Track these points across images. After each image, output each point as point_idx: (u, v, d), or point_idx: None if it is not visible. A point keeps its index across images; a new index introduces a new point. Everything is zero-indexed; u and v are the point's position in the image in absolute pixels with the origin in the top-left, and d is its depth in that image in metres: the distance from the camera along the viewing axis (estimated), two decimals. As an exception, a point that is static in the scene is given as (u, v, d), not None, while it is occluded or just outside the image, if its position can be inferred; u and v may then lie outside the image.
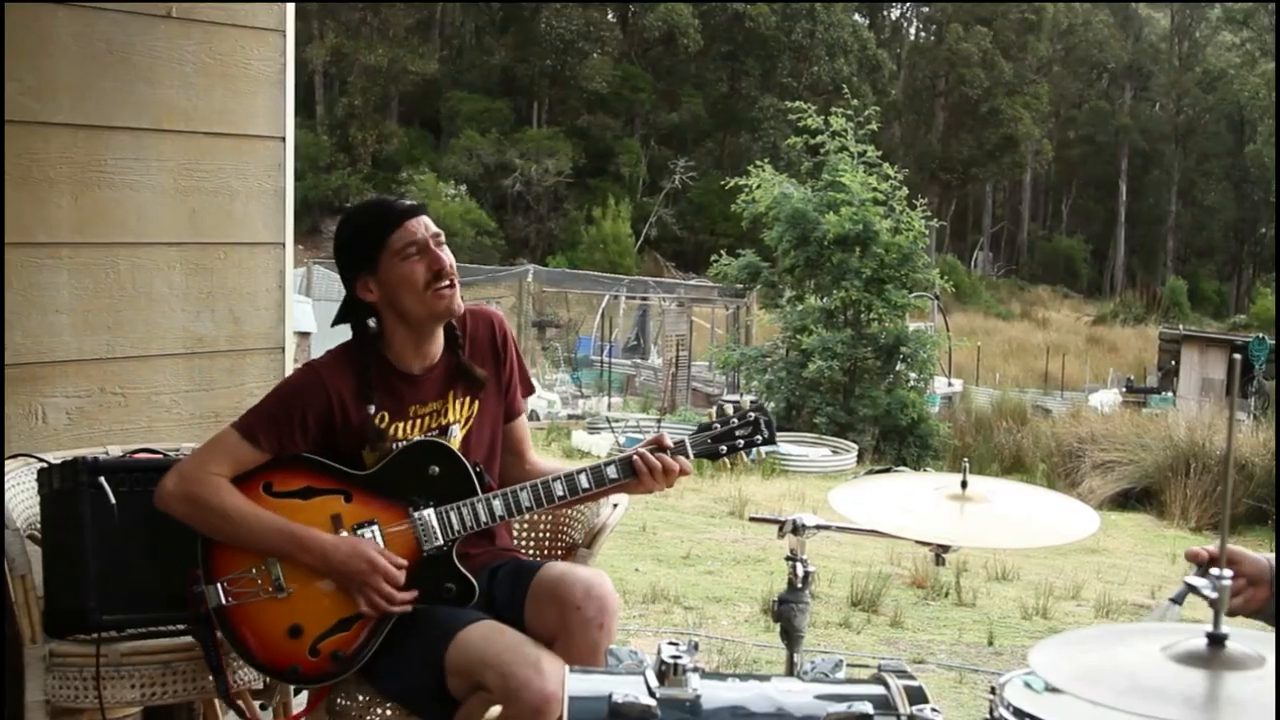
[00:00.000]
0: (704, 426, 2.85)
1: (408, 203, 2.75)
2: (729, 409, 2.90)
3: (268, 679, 2.87)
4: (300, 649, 2.59)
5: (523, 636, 2.52)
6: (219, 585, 2.60)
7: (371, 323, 2.76)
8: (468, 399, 2.81)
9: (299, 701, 2.87)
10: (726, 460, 2.82)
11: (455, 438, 2.78)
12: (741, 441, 2.81)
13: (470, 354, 2.81)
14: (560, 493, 2.69)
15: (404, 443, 2.72)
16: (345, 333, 2.85)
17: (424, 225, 2.69)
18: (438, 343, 2.79)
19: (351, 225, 2.77)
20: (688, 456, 2.76)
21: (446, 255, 2.70)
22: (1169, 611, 2.07)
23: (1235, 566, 2.19)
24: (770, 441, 2.87)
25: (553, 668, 2.42)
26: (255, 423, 2.66)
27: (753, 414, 2.84)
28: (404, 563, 2.60)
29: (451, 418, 2.78)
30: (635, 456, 2.71)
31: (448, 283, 2.68)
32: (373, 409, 2.69)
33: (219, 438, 2.68)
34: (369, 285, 2.69)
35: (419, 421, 2.75)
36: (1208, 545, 2.20)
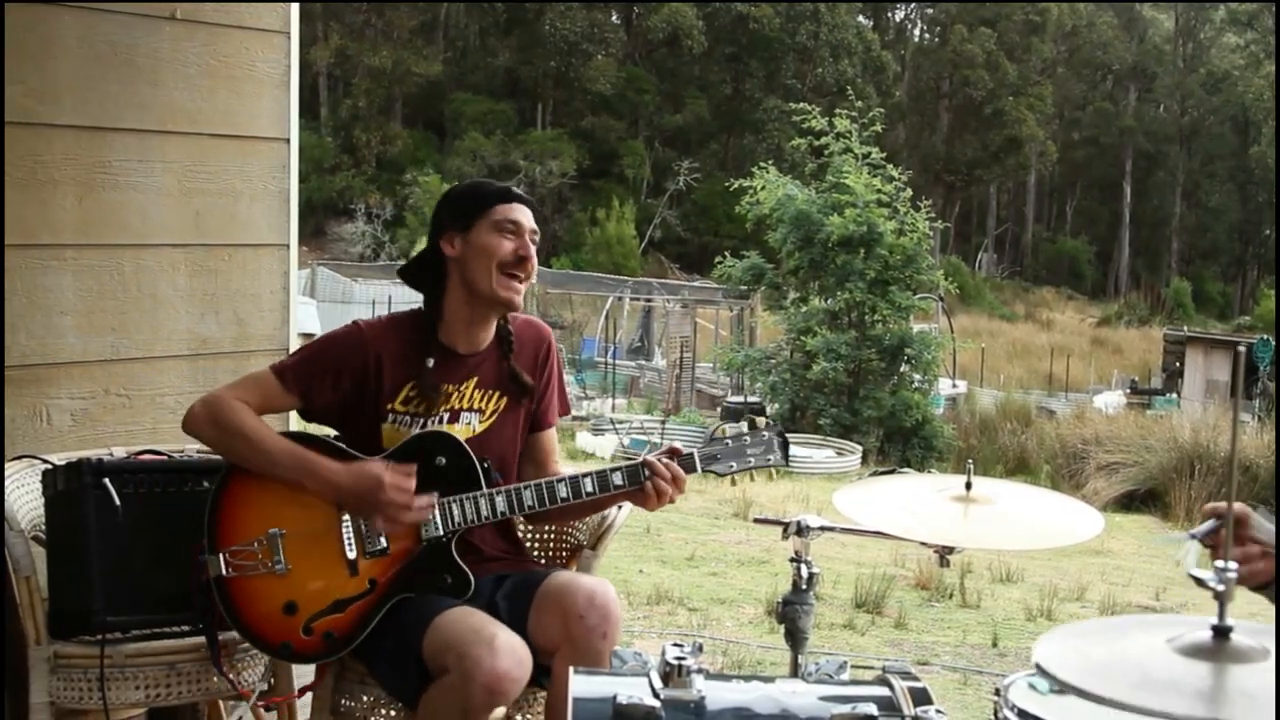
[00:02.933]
0: (714, 438, 2.82)
1: (522, 192, 2.84)
2: (744, 425, 2.83)
3: (268, 676, 2.88)
4: (294, 626, 2.61)
5: (489, 619, 2.52)
6: (221, 555, 2.62)
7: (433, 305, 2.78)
8: (497, 394, 2.82)
9: (303, 703, 2.87)
10: (735, 478, 2.76)
11: (473, 428, 2.78)
12: (753, 460, 2.78)
13: (516, 358, 2.84)
14: (564, 494, 2.69)
15: (431, 418, 2.73)
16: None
17: (530, 217, 2.78)
18: (488, 332, 2.82)
19: (467, 185, 2.89)
20: (696, 470, 2.73)
21: (534, 254, 2.76)
22: (1190, 551, 2.05)
23: (1252, 534, 2.16)
24: (783, 462, 2.83)
25: (508, 645, 2.42)
26: (289, 365, 2.74)
27: (766, 433, 2.80)
28: (413, 468, 2.61)
29: (477, 405, 2.79)
30: (642, 464, 2.70)
31: (523, 275, 2.74)
32: (431, 362, 2.72)
33: (253, 373, 2.78)
34: (454, 241, 2.75)
35: (446, 399, 2.76)
36: (1222, 504, 2.19)
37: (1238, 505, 2.10)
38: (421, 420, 2.74)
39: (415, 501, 2.60)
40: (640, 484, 2.69)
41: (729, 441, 2.79)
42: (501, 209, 2.74)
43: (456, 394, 2.78)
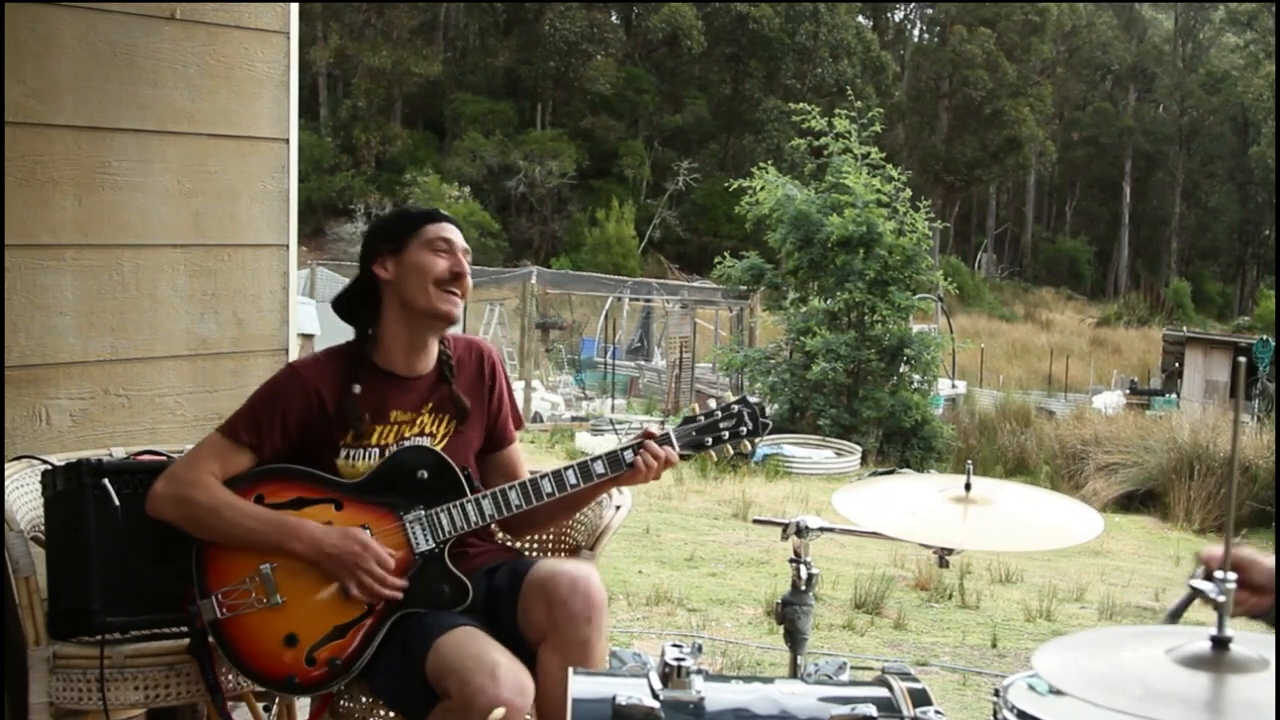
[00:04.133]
0: (689, 419, 2.85)
1: (449, 214, 2.88)
2: (713, 403, 2.86)
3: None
4: (297, 658, 2.60)
5: (490, 643, 2.51)
6: (214, 599, 2.62)
7: (367, 334, 2.80)
8: (447, 418, 2.83)
9: (302, 704, 2.87)
10: (713, 453, 2.78)
11: None
12: (726, 433, 2.81)
13: (457, 380, 2.84)
14: (549, 489, 2.69)
15: (382, 447, 2.74)
16: (347, 333, 2.87)
17: (460, 236, 2.82)
18: (429, 355, 2.82)
19: (393, 212, 2.99)
20: (674, 447, 2.76)
21: (468, 271, 2.79)
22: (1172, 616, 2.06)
23: (1244, 573, 2.16)
24: (755, 434, 2.85)
25: (510, 674, 2.42)
26: (236, 422, 2.72)
27: (735, 406, 2.84)
28: (395, 552, 2.62)
29: (429, 431, 2.80)
30: (621, 451, 2.74)
31: (458, 291, 2.75)
32: (358, 388, 2.72)
33: (204, 441, 2.74)
34: (386, 264, 2.77)
35: (397, 428, 2.77)
36: (1216, 549, 2.18)
37: (1244, 551, 2.10)
38: (376, 449, 2.74)
39: (391, 580, 2.60)
40: (621, 469, 2.72)
41: (702, 418, 2.82)
42: (431, 228, 2.77)
43: (408, 422, 2.78)
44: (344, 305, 2.86)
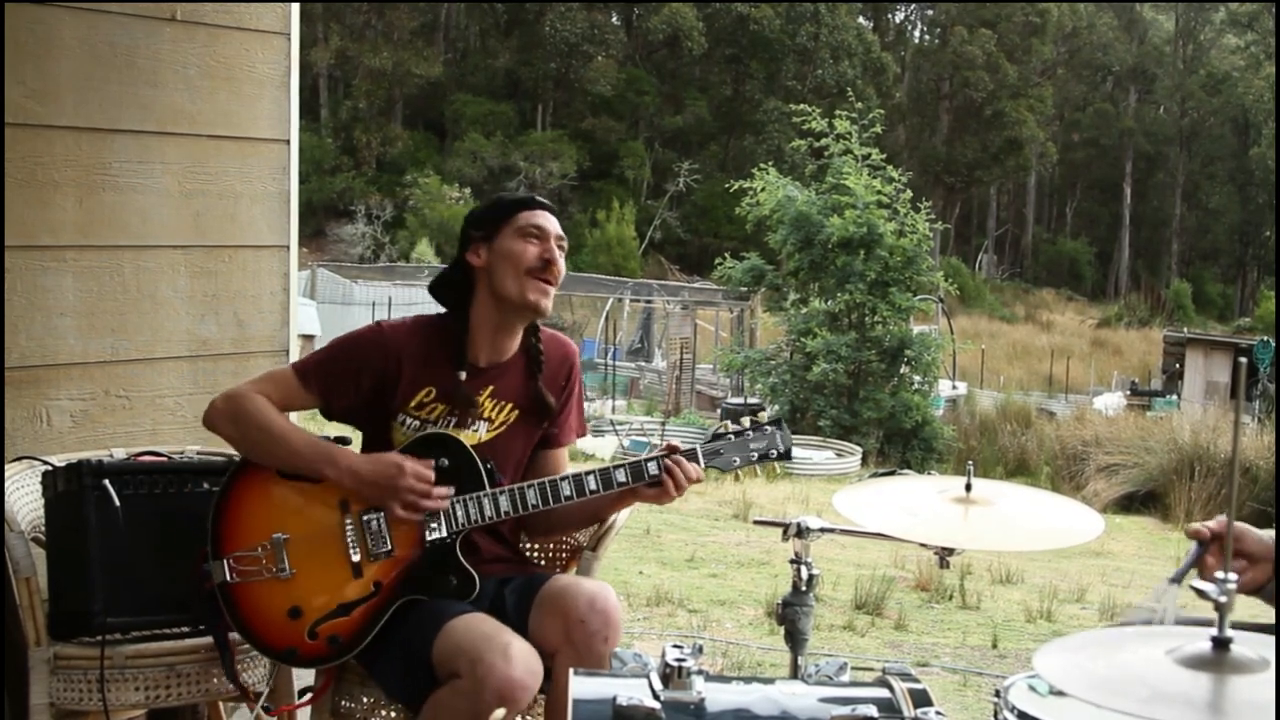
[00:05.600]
0: (717, 435, 2.81)
1: (546, 201, 2.85)
2: (746, 420, 2.81)
3: (270, 679, 2.88)
4: (299, 631, 2.61)
5: (500, 626, 2.51)
6: (225, 561, 2.62)
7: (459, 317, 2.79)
8: (509, 405, 2.81)
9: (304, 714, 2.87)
10: (739, 472, 2.75)
11: (480, 435, 2.77)
12: (756, 454, 2.77)
13: (542, 377, 2.84)
14: (567, 492, 2.67)
15: (432, 425, 2.73)
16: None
17: (555, 224, 2.79)
18: (513, 342, 2.81)
19: (493, 198, 2.90)
20: (698, 464, 2.73)
21: (562, 259, 2.77)
22: (1168, 593, 2.06)
23: (1238, 545, 2.16)
24: (785, 457, 2.82)
25: (522, 655, 2.42)
26: (311, 366, 2.73)
27: (769, 426, 2.80)
28: (430, 461, 2.63)
29: (487, 414, 2.79)
30: (645, 461, 2.70)
31: (551, 280, 2.74)
32: (464, 375, 2.73)
33: (275, 370, 2.78)
34: (480, 251, 2.76)
35: (468, 412, 2.77)
36: (1209, 523, 2.18)
37: (1235, 525, 2.11)
38: (431, 424, 2.74)
39: (434, 490, 2.61)
40: (643, 480, 2.69)
41: (731, 436, 2.78)
42: (525, 215, 2.75)
43: (481, 404, 2.78)
44: (440, 290, 2.86)
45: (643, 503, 2.78)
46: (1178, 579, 2.00)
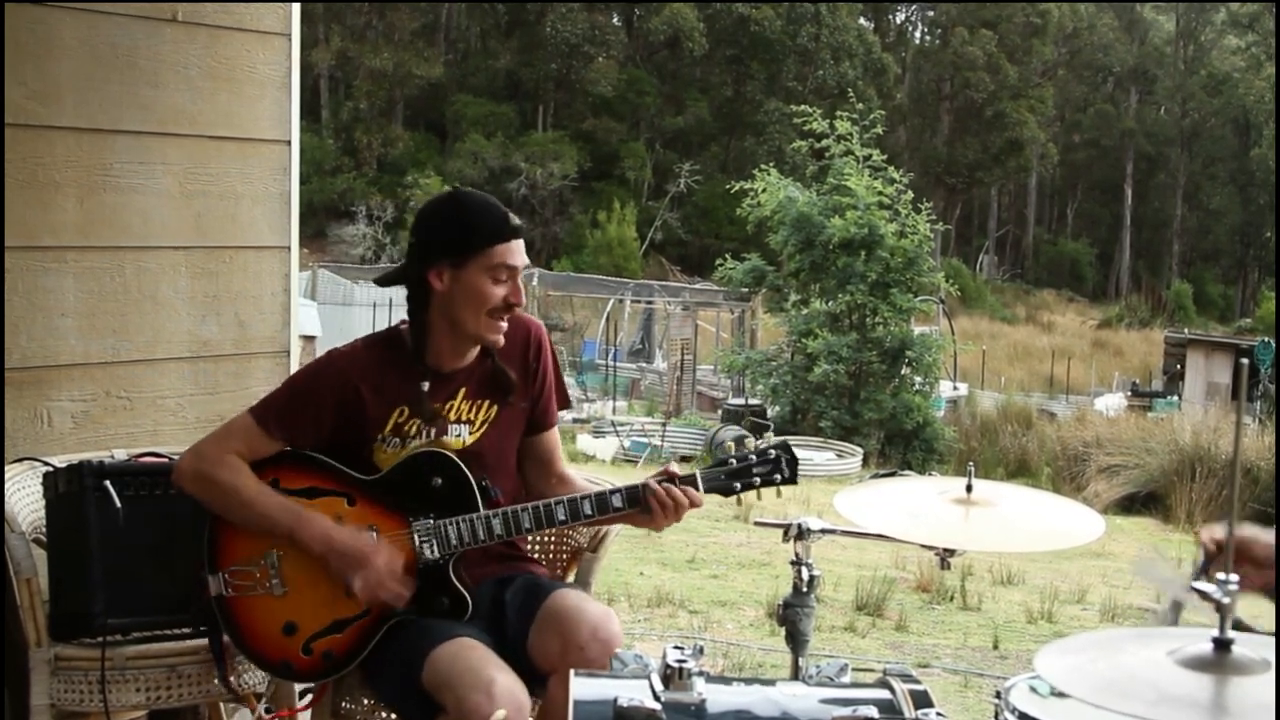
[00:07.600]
0: (721, 460, 2.76)
1: (517, 221, 2.70)
2: (750, 444, 2.80)
3: (271, 683, 2.88)
4: (293, 646, 2.61)
5: (488, 657, 2.48)
6: (221, 575, 2.63)
7: (409, 325, 2.74)
8: (486, 402, 2.77)
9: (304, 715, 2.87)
10: (739, 497, 2.71)
11: (463, 440, 2.73)
12: (758, 480, 2.73)
13: (501, 359, 2.76)
14: (561, 517, 2.65)
15: (417, 445, 2.70)
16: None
17: (523, 253, 2.68)
18: (474, 350, 2.76)
19: (463, 212, 2.68)
20: (697, 489, 2.70)
21: (523, 299, 2.70)
22: (1171, 615, 2.06)
23: (1247, 549, 2.17)
24: (790, 481, 2.77)
25: (506, 690, 2.39)
26: (271, 412, 2.67)
27: (774, 452, 2.76)
28: (402, 559, 2.60)
29: (465, 417, 2.74)
30: (642, 486, 2.67)
31: (508, 318, 2.68)
32: (426, 385, 2.68)
33: (234, 421, 2.70)
34: (443, 275, 2.64)
35: (438, 423, 2.73)
36: (1215, 532, 2.19)
37: (1245, 530, 2.12)
38: (412, 439, 2.70)
39: (393, 585, 2.57)
40: (639, 504, 2.66)
41: (734, 461, 2.74)
42: (499, 251, 2.61)
43: (444, 408, 2.74)
44: (388, 285, 2.84)
45: (636, 527, 2.75)
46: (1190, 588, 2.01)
